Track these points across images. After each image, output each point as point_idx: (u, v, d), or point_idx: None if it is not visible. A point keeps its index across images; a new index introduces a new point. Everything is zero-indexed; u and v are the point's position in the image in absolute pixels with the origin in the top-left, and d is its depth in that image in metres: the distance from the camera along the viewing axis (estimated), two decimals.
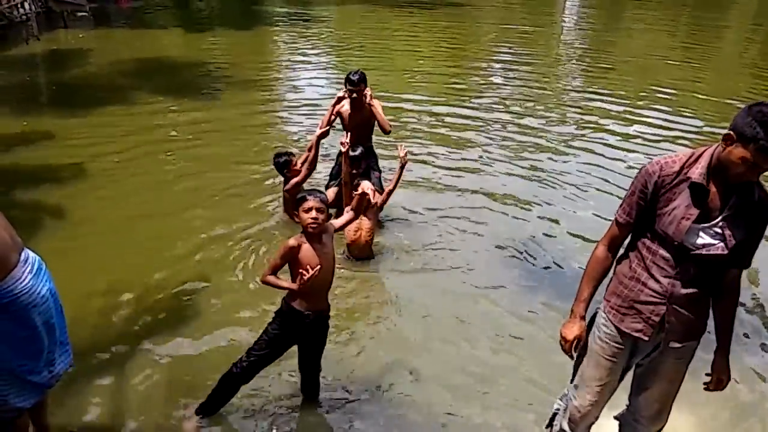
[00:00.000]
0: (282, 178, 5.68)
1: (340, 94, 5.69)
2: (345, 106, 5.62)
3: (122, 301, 4.58)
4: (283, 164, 5.54)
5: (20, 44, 13.13)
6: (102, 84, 10.55)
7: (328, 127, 5.55)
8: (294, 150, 6.40)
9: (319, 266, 3.12)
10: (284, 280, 3.27)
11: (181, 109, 9.23)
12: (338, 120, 5.78)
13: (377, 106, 5.53)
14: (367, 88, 5.54)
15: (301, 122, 8.90)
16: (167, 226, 5.75)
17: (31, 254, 2.82)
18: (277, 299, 3.42)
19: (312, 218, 3.17)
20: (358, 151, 5.38)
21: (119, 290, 4.68)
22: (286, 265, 3.26)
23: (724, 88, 11.96)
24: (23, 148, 7.46)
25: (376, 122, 5.63)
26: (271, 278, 3.25)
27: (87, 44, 13.63)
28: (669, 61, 14.46)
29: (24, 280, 2.68)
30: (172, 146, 7.76)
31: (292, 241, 3.22)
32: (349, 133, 5.29)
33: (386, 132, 5.58)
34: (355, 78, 5.46)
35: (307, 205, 3.19)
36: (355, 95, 5.49)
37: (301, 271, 3.13)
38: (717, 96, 11.16)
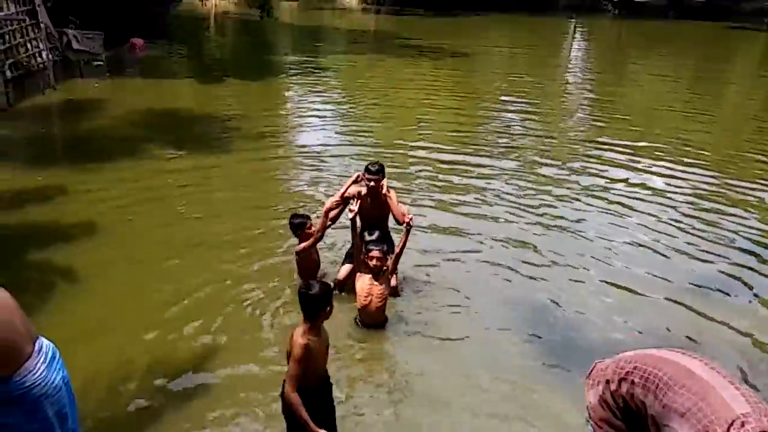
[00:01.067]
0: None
1: (359, 173, 5.83)
2: (362, 191, 5.70)
3: (133, 369, 4.61)
4: (297, 226, 5.74)
5: (36, 94, 13.44)
6: (116, 136, 10.76)
7: (339, 199, 5.66)
8: (310, 212, 6.57)
9: None
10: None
11: (194, 163, 9.39)
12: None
13: (393, 197, 5.65)
14: (384, 179, 5.68)
15: (311, 175, 9.05)
16: (180, 290, 5.77)
17: (45, 342, 2.87)
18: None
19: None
20: (375, 235, 5.48)
21: (129, 358, 4.72)
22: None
23: (729, 139, 12.10)
24: (37, 203, 7.59)
25: (390, 213, 5.73)
26: (300, 408, 3.34)
27: (101, 94, 13.95)
28: (674, 111, 14.66)
29: (37, 371, 2.72)
30: (183, 200, 7.89)
31: (303, 340, 3.34)
32: (359, 201, 5.40)
33: (401, 224, 5.48)
34: (374, 168, 5.64)
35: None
36: (372, 183, 5.60)
37: None
38: (723, 147, 11.31)
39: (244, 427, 4.06)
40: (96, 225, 7.05)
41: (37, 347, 2.78)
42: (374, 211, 5.72)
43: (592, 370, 2.78)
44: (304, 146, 10.85)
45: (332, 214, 5.65)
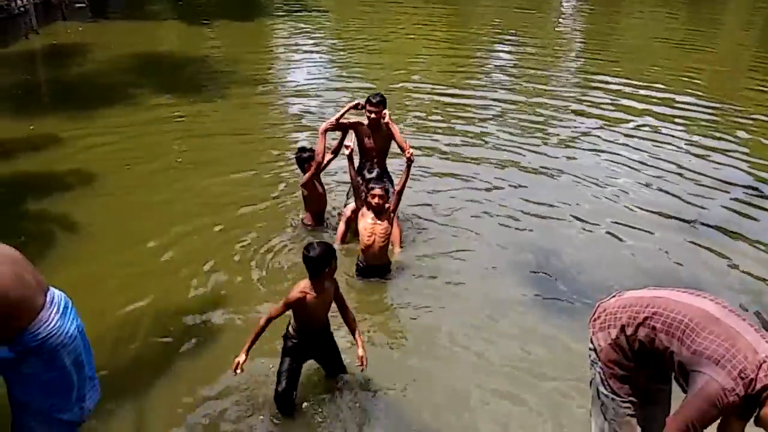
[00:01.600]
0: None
1: (359, 101, 5.70)
2: (363, 122, 5.63)
3: (139, 316, 4.65)
4: (305, 160, 5.73)
5: (19, 39, 13.08)
6: (104, 82, 10.54)
7: (334, 122, 5.59)
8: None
9: None
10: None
11: (185, 109, 9.24)
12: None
13: (395, 127, 5.57)
14: (386, 110, 5.56)
15: (304, 116, 8.95)
16: (180, 233, 5.77)
17: (57, 293, 2.88)
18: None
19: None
20: (374, 172, 5.45)
21: (135, 305, 4.75)
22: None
23: (726, 73, 12.02)
24: (30, 153, 7.48)
25: (393, 144, 5.67)
26: (252, 332, 3.63)
27: (86, 38, 13.56)
28: (670, 47, 14.52)
29: (51, 321, 2.74)
30: (177, 146, 7.81)
31: (297, 294, 3.54)
32: (355, 140, 5.40)
33: (405, 151, 5.23)
34: (375, 99, 5.51)
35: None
36: (373, 115, 5.51)
37: None
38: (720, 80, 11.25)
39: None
40: (91, 173, 6.97)
41: (49, 298, 2.79)
42: (375, 145, 5.65)
43: (596, 312, 2.81)
44: (295, 88, 10.67)
45: (327, 149, 5.62)
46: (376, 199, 4.97)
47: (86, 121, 8.57)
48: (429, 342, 4.52)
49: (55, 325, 2.74)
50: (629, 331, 2.63)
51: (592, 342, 2.76)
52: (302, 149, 5.87)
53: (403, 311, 4.91)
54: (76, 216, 6.04)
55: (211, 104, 9.50)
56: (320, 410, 3.80)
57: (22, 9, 14.44)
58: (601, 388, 2.73)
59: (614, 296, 2.85)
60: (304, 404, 3.84)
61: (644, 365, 2.67)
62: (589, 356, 2.80)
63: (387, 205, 5.08)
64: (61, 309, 2.82)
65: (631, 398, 2.68)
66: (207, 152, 7.73)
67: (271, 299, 4.70)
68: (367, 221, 5.07)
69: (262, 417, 3.73)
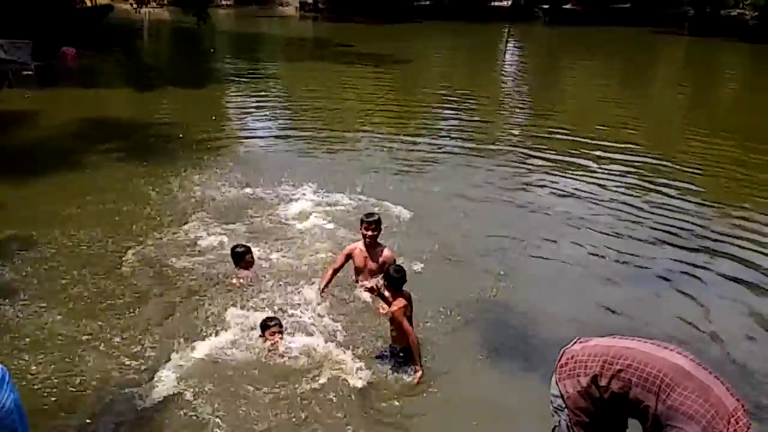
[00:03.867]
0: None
1: (351, 246, 5.92)
2: (357, 248, 5.82)
3: (81, 383, 4.46)
4: (240, 255, 6.03)
5: None
6: (50, 147, 10.42)
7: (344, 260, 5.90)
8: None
9: None
10: None
11: (134, 172, 9.15)
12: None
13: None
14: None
15: (256, 181, 8.93)
16: (119, 301, 5.64)
17: None
18: None
19: None
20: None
21: (75, 370, 4.56)
22: None
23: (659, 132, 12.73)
24: None
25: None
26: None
27: (34, 105, 13.43)
28: (606, 108, 15.35)
29: None
30: (124, 212, 7.66)
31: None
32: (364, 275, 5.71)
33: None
34: (371, 219, 5.75)
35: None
36: (371, 232, 5.68)
37: None
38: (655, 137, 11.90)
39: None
40: (33, 240, 6.79)
41: None
42: (373, 265, 5.76)
43: (562, 358, 2.83)
44: (246, 152, 10.74)
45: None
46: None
47: (30, 187, 8.40)
48: None
49: None
50: (602, 381, 2.67)
51: (558, 387, 2.77)
52: (237, 245, 6.13)
53: None
54: (16, 284, 5.85)
55: (159, 167, 9.42)
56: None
57: None
58: None
59: (579, 342, 2.89)
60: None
61: (608, 414, 2.71)
62: (552, 402, 2.81)
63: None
64: None
65: None
66: (152, 218, 7.57)
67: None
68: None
69: None
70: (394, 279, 4.62)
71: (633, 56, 29.15)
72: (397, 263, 5.27)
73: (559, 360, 2.87)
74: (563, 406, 2.76)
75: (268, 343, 4.92)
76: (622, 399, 2.65)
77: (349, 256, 5.85)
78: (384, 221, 6.12)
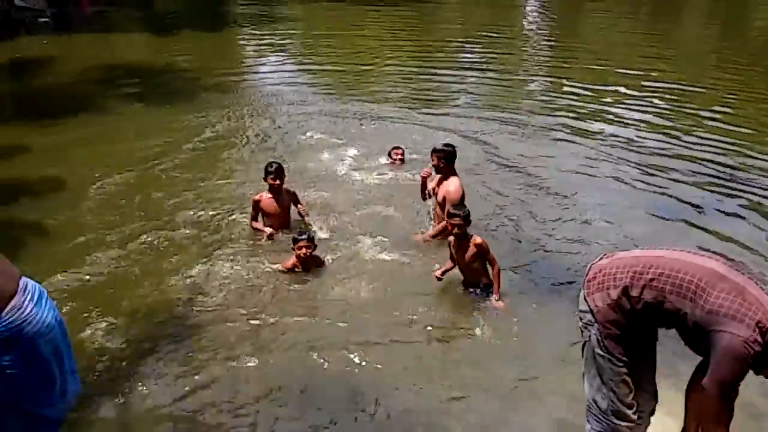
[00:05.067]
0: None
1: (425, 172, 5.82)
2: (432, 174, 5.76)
3: (114, 321, 4.52)
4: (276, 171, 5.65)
5: None
6: (70, 93, 10.38)
7: None
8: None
9: None
10: None
11: (156, 119, 9.12)
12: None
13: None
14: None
15: (273, 125, 8.88)
16: (153, 240, 5.65)
17: (30, 282, 2.73)
18: None
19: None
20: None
21: (109, 309, 4.63)
22: None
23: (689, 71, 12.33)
24: None
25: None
26: None
27: (50, 51, 13.34)
28: (634, 49, 14.81)
29: (26, 309, 2.58)
30: (149, 157, 7.63)
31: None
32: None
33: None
34: (448, 148, 5.62)
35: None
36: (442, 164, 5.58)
37: None
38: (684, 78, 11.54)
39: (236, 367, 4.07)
40: (63, 182, 6.82)
41: (21, 285, 2.65)
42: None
43: (590, 273, 2.79)
44: (263, 96, 10.59)
45: None
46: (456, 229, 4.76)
47: (54, 130, 8.40)
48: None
49: (30, 313, 2.59)
50: (634, 292, 2.62)
51: (586, 302, 2.74)
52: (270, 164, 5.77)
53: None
54: (48, 224, 5.90)
55: (178, 111, 9.37)
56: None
57: None
58: (598, 350, 2.72)
59: (606, 257, 2.84)
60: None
61: (639, 325, 2.68)
62: (581, 318, 2.78)
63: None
64: (35, 297, 2.68)
65: (624, 358, 2.69)
66: (178, 163, 7.50)
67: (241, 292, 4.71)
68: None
69: (245, 410, 3.66)
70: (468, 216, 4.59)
71: None
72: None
73: (587, 275, 2.83)
74: (593, 321, 2.73)
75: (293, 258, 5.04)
76: (656, 309, 2.61)
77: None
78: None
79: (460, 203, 5.08)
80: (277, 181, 5.61)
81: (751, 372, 2.50)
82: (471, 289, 4.84)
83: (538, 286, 5.04)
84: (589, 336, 2.74)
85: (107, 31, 16.05)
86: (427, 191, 5.80)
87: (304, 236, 5.07)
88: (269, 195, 5.67)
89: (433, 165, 5.63)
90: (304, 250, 5.03)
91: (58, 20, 16.62)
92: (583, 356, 2.82)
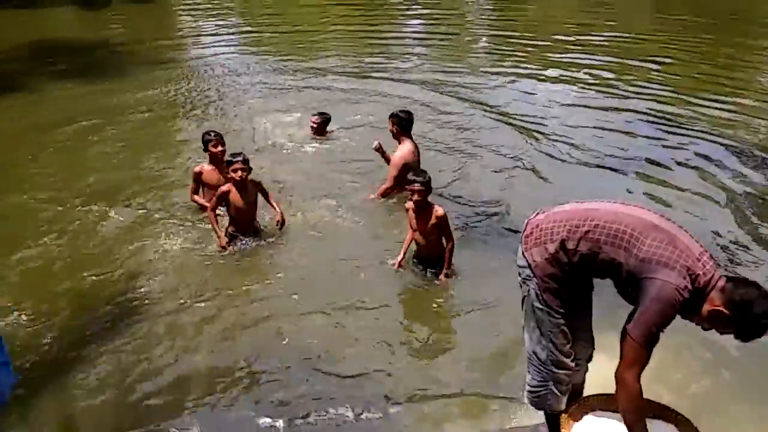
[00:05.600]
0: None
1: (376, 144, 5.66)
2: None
3: (49, 309, 4.30)
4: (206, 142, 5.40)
5: None
6: None
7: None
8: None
9: None
10: None
11: (84, 95, 8.70)
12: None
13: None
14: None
15: (213, 97, 8.62)
16: (89, 223, 5.41)
17: None
18: None
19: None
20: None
21: (44, 297, 4.43)
22: None
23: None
24: None
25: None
26: None
27: None
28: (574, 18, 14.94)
29: None
30: (78, 135, 7.30)
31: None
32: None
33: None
34: (402, 114, 5.56)
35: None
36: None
37: None
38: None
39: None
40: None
41: None
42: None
43: (526, 229, 2.80)
44: (201, 67, 10.22)
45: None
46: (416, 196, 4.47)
47: None
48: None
49: None
50: (570, 245, 2.65)
51: (525, 258, 2.76)
52: (207, 132, 5.52)
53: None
54: None
55: (113, 87, 8.99)
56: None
57: None
58: (536, 303, 2.75)
59: (543, 212, 2.85)
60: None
61: (576, 277, 2.71)
62: (520, 274, 2.79)
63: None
64: None
65: (562, 310, 2.73)
66: (113, 138, 7.21)
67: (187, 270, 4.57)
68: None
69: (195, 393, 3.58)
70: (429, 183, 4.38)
71: None
72: None
73: (524, 231, 2.84)
74: (531, 275, 2.76)
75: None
76: (591, 260, 2.64)
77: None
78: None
79: (420, 169, 4.83)
80: (219, 148, 5.33)
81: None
82: (424, 268, 4.67)
83: (487, 246, 5.04)
84: (528, 290, 2.76)
85: (33, 6, 15.22)
86: (385, 156, 5.73)
87: (239, 158, 4.83)
88: (211, 166, 5.46)
89: (389, 130, 5.58)
90: (239, 173, 4.77)
91: None
92: (522, 310, 2.84)
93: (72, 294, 4.47)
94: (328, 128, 7.14)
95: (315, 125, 7.03)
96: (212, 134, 5.45)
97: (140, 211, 5.53)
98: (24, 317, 4.18)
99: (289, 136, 7.13)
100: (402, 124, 5.52)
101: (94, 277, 4.64)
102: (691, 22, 13.15)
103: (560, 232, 2.67)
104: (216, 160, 5.38)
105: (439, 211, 4.48)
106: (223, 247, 4.87)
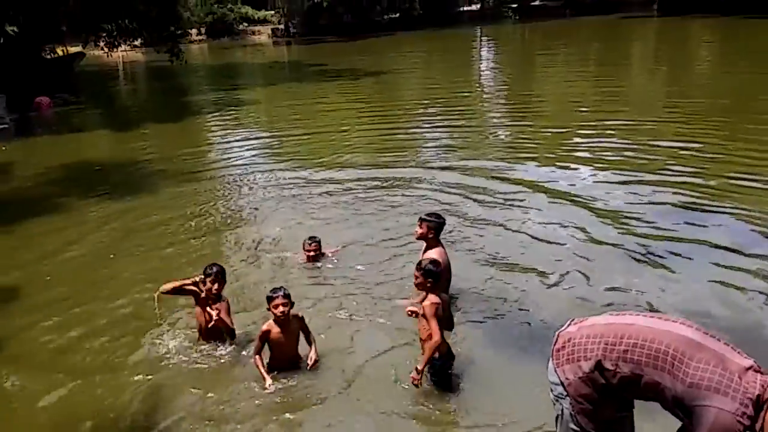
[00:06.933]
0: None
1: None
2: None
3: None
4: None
5: None
6: (32, 195, 10.20)
7: None
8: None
9: None
10: None
11: (119, 209, 8.99)
12: None
13: None
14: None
15: (239, 209, 8.80)
16: (113, 334, 5.45)
17: None
18: None
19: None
20: None
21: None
22: None
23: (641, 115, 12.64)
24: None
25: None
26: None
27: (12, 157, 13.25)
28: (586, 98, 15.25)
29: None
30: (111, 249, 7.48)
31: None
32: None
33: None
34: (438, 219, 5.44)
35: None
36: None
37: None
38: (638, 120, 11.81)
39: None
40: (20, 289, 6.59)
41: None
42: None
43: (557, 342, 2.64)
44: (230, 180, 10.51)
45: None
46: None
47: (16, 237, 8.21)
48: None
49: None
50: (608, 365, 2.47)
51: (557, 374, 2.58)
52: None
53: None
54: (2, 332, 5.65)
55: (144, 202, 9.28)
56: None
57: None
58: (572, 425, 2.56)
59: (574, 323, 2.69)
60: None
61: (613, 399, 2.52)
62: (552, 390, 2.61)
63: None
64: None
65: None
66: (142, 254, 7.38)
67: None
68: None
69: None
70: (431, 272, 4.14)
71: (606, 42, 29.34)
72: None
73: (555, 344, 2.66)
74: (564, 393, 2.57)
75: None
76: (634, 383, 2.44)
77: None
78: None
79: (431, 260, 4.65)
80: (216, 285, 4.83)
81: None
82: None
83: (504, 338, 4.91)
84: (561, 409, 2.58)
85: (68, 131, 16.06)
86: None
87: (279, 292, 4.37)
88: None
89: (421, 233, 5.35)
90: (281, 308, 4.34)
91: (19, 125, 16.65)
92: (557, 428, 2.66)
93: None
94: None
95: (313, 253, 6.50)
96: (213, 268, 4.94)
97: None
98: None
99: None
100: (437, 228, 5.34)
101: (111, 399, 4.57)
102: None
103: (595, 350, 2.48)
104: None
105: (425, 302, 4.16)
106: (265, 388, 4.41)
